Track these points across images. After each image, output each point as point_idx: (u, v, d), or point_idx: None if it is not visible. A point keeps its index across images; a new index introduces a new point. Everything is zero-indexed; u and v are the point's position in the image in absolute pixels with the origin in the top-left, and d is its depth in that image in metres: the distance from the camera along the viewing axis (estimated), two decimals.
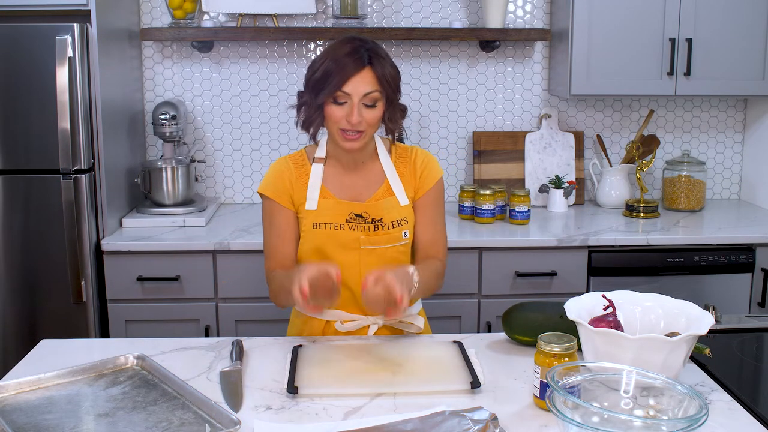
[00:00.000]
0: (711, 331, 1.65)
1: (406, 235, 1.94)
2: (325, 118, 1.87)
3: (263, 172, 3.40)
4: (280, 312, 2.77)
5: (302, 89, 1.94)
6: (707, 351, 1.67)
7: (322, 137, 2.02)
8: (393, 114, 1.92)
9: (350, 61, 1.82)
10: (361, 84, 1.82)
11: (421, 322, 1.95)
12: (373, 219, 1.92)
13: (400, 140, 2.04)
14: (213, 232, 2.88)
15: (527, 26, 3.35)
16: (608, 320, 1.55)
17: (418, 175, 1.99)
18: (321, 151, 1.99)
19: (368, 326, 1.94)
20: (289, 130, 3.38)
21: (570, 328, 1.61)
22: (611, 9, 3.03)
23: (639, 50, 3.05)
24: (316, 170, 1.96)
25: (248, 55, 3.33)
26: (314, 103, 1.87)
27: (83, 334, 2.74)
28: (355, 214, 1.92)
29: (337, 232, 1.91)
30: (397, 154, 2.01)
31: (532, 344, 1.76)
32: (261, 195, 1.99)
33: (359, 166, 1.98)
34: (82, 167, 2.70)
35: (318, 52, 3.33)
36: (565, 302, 1.78)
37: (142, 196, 3.12)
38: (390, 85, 1.87)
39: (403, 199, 1.96)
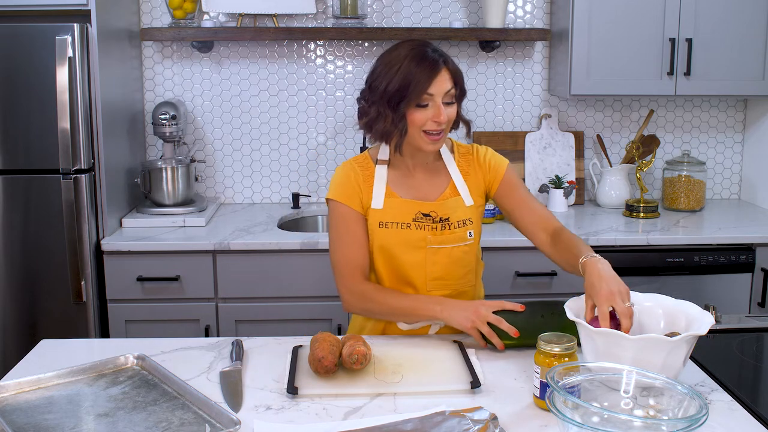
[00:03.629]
0: (711, 331, 1.65)
1: (470, 235, 1.95)
2: (410, 125, 1.84)
3: (263, 172, 3.40)
4: (280, 312, 2.79)
5: (366, 105, 1.89)
6: None
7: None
8: (460, 109, 1.94)
9: (429, 64, 1.81)
10: (442, 83, 1.82)
11: None
12: (441, 218, 1.92)
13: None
14: (213, 232, 2.88)
15: (527, 26, 3.35)
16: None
17: (486, 169, 1.99)
18: (384, 154, 1.96)
19: (429, 326, 1.95)
20: (288, 130, 3.38)
21: (552, 328, 1.62)
22: (611, 9, 3.03)
23: (639, 50, 3.06)
24: (381, 171, 1.95)
25: (248, 55, 3.33)
26: (394, 114, 1.83)
27: (83, 334, 2.74)
28: (423, 214, 1.92)
29: (404, 231, 1.91)
30: (460, 154, 2.01)
31: (514, 347, 1.76)
32: (330, 201, 1.95)
33: (424, 167, 1.98)
34: (82, 167, 2.70)
35: (318, 52, 3.33)
36: (543, 300, 1.81)
37: (142, 196, 3.12)
38: (462, 81, 1.89)
39: (468, 200, 1.96)
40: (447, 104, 1.85)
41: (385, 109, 1.83)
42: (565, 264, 1.85)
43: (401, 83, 1.80)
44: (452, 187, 1.97)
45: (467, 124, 1.96)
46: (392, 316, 1.92)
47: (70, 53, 2.62)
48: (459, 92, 1.88)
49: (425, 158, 1.97)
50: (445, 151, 2.00)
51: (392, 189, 1.94)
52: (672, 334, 1.49)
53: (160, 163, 3.07)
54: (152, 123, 3.07)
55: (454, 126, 1.95)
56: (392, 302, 1.89)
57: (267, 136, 3.39)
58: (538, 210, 1.99)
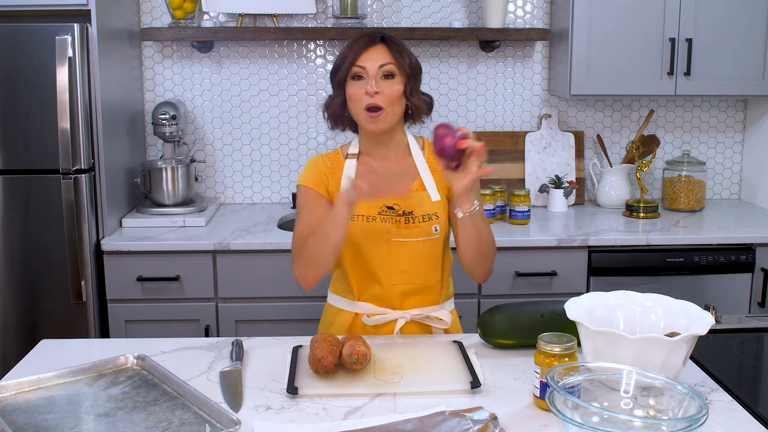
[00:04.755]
0: (711, 331, 1.65)
1: (436, 230, 1.95)
2: (348, 101, 1.92)
3: (263, 172, 3.40)
4: (280, 312, 2.78)
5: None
6: None
7: (355, 138, 2.05)
8: (416, 92, 1.95)
9: (363, 40, 1.92)
10: (376, 57, 1.90)
11: (449, 317, 1.97)
12: (404, 211, 1.94)
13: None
14: (213, 232, 2.88)
15: (527, 26, 3.35)
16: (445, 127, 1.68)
17: None
18: (354, 148, 2.03)
19: (395, 321, 1.95)
20: (289, 130, 3.38)
21: (552, 328, 1.63)
22: (611, 9, 3.03)
23: (639, 50, 3.06)
24: (349, 165, 2.00)
25: (248, 55, 3.33)
26: (337, 90, 1.94)
27: (83, 334, 2.74)
28: (387, 207, 1.94)
29: (369, 224, 1.93)
30: (431, 151, 2.03)
31: (514, 347, 1.76)
32: (300, 186, 2.01)
33: (392, 161, 2.01)
34: (82, 167, 2.70)
35: (318, 52, 3.33)
36: (540, 301, 1.81)
37: (142, 196, 3.12)
38: (408, 63, 1.93)
39: (435, 195, 1.97)
40: (385, 78, 1.90)
41: (333, 88, 1.97)
42: (463, 249, 1.91)
43: (339, 60, 1.93)
44: (419, 182, 1.99)
45: (417, 111, 1.97)
46: (323, 246, 1.86)
47: (70, 53, 2.62)
48: (404, 72, 1.91)
49: (392, 151, 2.00)
50: (415, 147, 2.03)
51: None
52: (672, 334, 1.49)
53: (160, 163, 3.07)
54: (152, 123, 3.07)
55: (413, 117, 1.99)
56: (315, 236, 1.88)
57: (267, 136, 3.39)
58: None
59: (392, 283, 1.94)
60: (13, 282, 2.74)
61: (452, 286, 2.10)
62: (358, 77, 1.90)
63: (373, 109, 1.88)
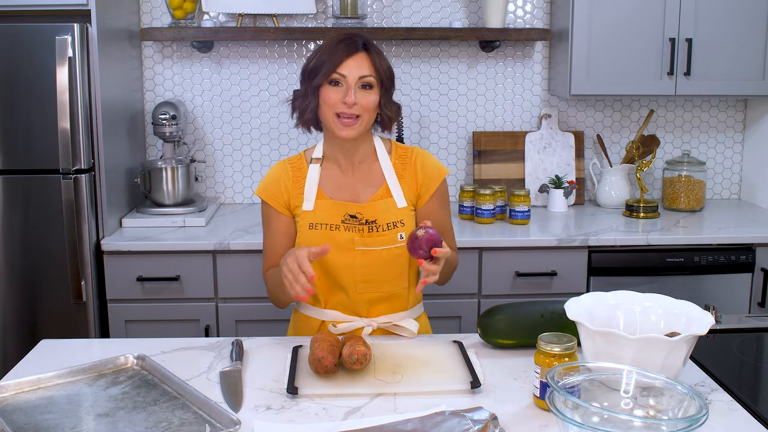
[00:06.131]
0: (711, 331, 1.65)
1: (401, 237, 1.92)
2: (321, 103, 1.88)
3: (263, 172, 3.40)
4: (280, 312, 2.77)
5: (298, 89, 1.98)
6: None
7: (319, 141, 2.03)
8: (389, 103, 1.94)
9: (345, 45, 1.88)
10: (357, 66, 1.86)
11: (415, 326, 1.92)
12: (367, 220, 1.91)
13: (400, 140, 2.03)
14: (213, 232, 2.88)
15: (527, 26, 3.35)
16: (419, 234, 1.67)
17: (419, 180, 1.98)
18: (318, 152, 1.99)
19: (362, 328, 1.93)
20: (288, 130, 3.38)
21: (552, 328, 1.64)
22: (611, 9, 3.03)
23: (639, 50, 3.06)
24: (313, 171, 1.96)
25: (248, 55, 3.33)
26: (310, 89, 1.89)
27: (83, 334, 2.74)
28: (350, 215, 1.92)
29: (333, 232, 1.90)
30: (397, 155, 2.00)
31: (514, 347, 1.76)
32: (259, 197, 2.01)
33: (357, 167, 1.98)
34: (82, 167, 2.70)
35: None
36: (540, 301, 1.81)
37: (142, 196, 3.12)
38: (385, 73, 1.91)
39: (401, 201, 1.95)
40: (363, 89, 1.87)
41: (306, 86, 1.91)
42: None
43: (318, 60, 1.88)
44: (385, 189, 1.96)
45: (389, 121, 1.96)
46: (280, 296, 1.94)
47: (70, 53, 2.62)
48: (381, 83, 1.90)
49: (358, 157, 1.98)
50: (382, 151, 1.99)
51: (323, 190, 1.95)
52: (672, 334, 1.49)
53: (160, 163, 3.07)
54: (152, 123, 3.07)
55: (382, 125, 1.97)
56: (273, 278, 1.93)
57: (267, 136, 3.39)
58: (447, 240, 1.94)
59: (358, 292, 1.93)
60: (13, 282, 2.74)
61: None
62: (335, 83, 1.87)
63: (348, 117, 1.86)
